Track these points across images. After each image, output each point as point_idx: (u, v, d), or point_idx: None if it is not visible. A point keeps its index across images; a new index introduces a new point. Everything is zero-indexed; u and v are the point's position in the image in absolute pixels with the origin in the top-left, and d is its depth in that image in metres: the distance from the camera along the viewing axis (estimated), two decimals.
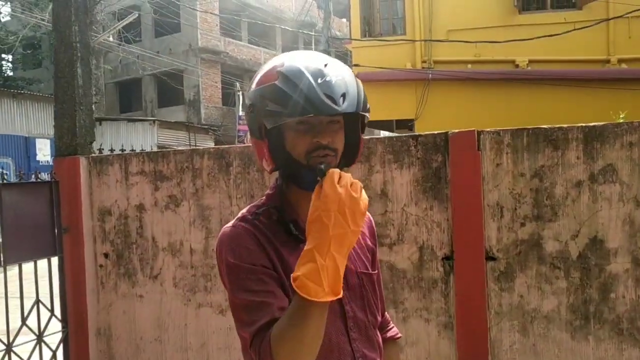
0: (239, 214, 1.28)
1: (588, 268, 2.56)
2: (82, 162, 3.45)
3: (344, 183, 1.04)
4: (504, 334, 2.69)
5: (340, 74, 1.15)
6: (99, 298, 3.50)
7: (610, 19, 9.96)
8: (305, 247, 1.03)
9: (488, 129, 2.68)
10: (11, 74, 27.22)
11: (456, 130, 2.73)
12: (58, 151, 3.50)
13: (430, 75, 10.90)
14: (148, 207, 3.37)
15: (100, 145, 4.01)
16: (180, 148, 3.24)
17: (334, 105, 1.11)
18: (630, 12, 8.91)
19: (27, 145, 15.81)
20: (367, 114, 1.23)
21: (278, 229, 1.23)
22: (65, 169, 3.43)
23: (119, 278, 3.44)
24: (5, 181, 3.08)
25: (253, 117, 1.20)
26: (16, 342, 3.11)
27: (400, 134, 2.86)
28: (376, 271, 1.39)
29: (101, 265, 3.50)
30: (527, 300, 2.65)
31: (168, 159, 3.30)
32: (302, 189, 1.19)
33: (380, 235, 2.85)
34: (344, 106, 1.12)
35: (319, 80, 1.12)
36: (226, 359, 3.18)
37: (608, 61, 10.65)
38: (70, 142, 3.45)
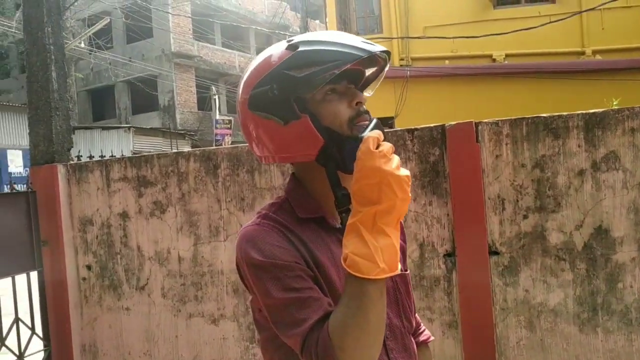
0: (259, 213, 1.15)
1: (594, 258, 2.49)
2: (60, 170, 3.28)
3: (384, 149, 0.91)
4: (511, 330, 2.60)
5: (344, 33, 1.09)
6: (82, 313, 3.33)
7: (583, 12, 10.04)
8: (349, 220, 0.92)
9: (486, 120, 2.59)
10: None
11: (454, 122, 2.63)
12: (34, 160, 3.32)
13: (408, 72, 10.87)
14: (132, 215, 3.21)
15: (79, 152, 3.84)
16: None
17: (373, 46, 1.04)
18: (603, 4, 8.98)
19: (4, 155, 15.38)
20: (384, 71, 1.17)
21: (304, 228, 1.10)
22: (42, 178, 3.26)
23: (104, 291, 3.28)
24: None
25: (276, 99, 1.05)
26: None
27: (395, 129, 2.76)
28: (408, 271, 1.27)
29: (84, 278, 3.32)
30: (533, 295, 2.57)
31: (152, 164, 3.15)
32: (349, 171, 0.98)
33: None
34: (381, 47, 1.05)
35: (340, 35, 1.06)
36: None
37: (583, 53, 10.76)
38: (47, 150, 3.28)
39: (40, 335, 3.25)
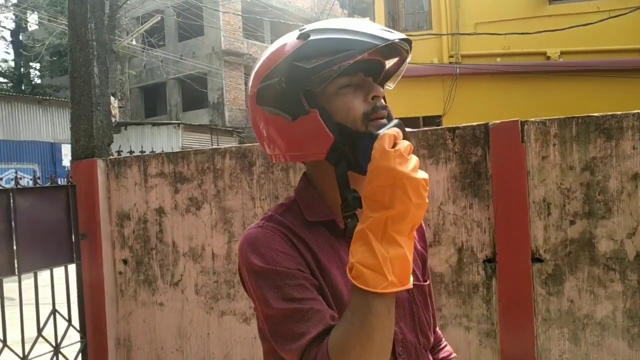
0: (265, 214, 1.07)
1: None
2: (100, 164, 3.31)
3: (400, 148, 0.82)
4: (553, 343, 2.45)
5: (361, 20, 0.99)
6: (118, 306, 3.36)
7: None
8: (358, 226, 0.83)
9: (533, 119, 2.45)
10: (39, 81, 27.65)
11: (497, 121, 2.50)
12: (75, 154, 3.37)
13: (457, 70, 10.61)
14: (168, 211, 3.21)
15: (119, 147, 3.88)
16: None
17: (391, 34, 0.94)
18: None
19: (53, 151, 15.96)
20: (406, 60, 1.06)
21: (312, 232, 1.01)
22: (82, 173, 3.30)
23: (139, 285, 3.29)
24: (19, 186, 2.95)
25: (284, 92, 0.96)
26: (32, 354, 2.98)
27: (435, 127, 2.64)
28: (428, 281, 1.16)
29: (120, 272, 3.35)
30: (579, 306, 2.40)
31: (188, 160, 3.13)
32: (362, 171, 0.90)
33: None
34: (400, 34, 0.95)
35: (355, 23, 0.96)
36: None
37: None
38: (88, 145, 3.31)
39: (77, 327, 3.29)
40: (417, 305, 1.08)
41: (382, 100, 1.00)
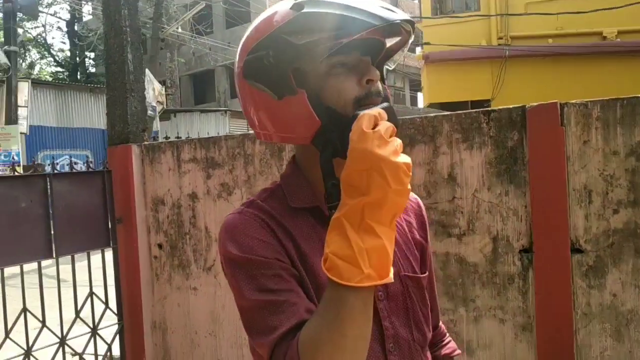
0: (247, 199, 1.02)
1: None
2: (135, 150, 3.34)
3: (380, 129, 0.75)
4: (594, 339, 2.31)
5: None
6: (153, 290, 3.40)
7: None
8: (335, 214, 0.77)
9: (573, 101, 2.30)
10: (93, 70, 28.52)
11: (535, 104, 2.36)
12: (111, 140, 3.42)
13: (507, 52, 10.25)
14: (200, 196, 3.22)
15: (166, 132, 3.90)
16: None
17: (393, 13, 0.86)
18: None
19: (105, 137, 16.45)
20: (406, 46, 0.99)
21: (296, 219, 0.96)
22: (117, 158, 3.34)
23: (173, 270, 3.32)
24: (56, 171, 3.01)
25: (271, 69, 0.90)
26: (70, 335, 3.05)
27: (469, 110, 2.53)
28: (426, 273, 1.08)
29: (155, 257, 3.39)
30: (622, 300, 2.26)
31: (219, 145, 3.12)
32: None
33: (448, 225, 2.54)
34: (402, 14, 0.87)
35: None
36: None
37: None
38: (123, 130, 3.35)
39: (114, 310, 3.36)
40: (412, 299, 1.01)
41: (379, 84, 0.93)
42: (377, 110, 0.79)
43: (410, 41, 0.98)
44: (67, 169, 3.35)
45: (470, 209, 2.51)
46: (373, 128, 0.76)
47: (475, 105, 11.91)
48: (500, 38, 10.54)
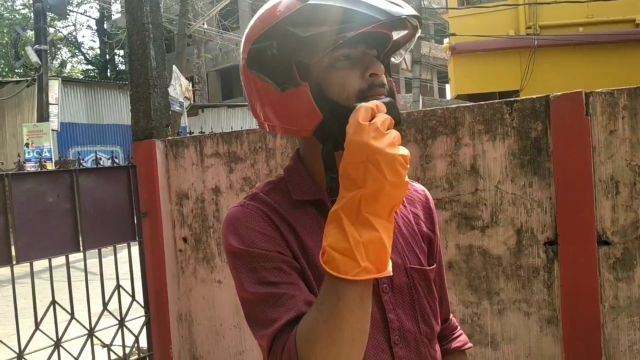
0: (250, 192, 1.03)
1: None
2: (158, 145, 3.38)
3: (376, 122, 0.75)
4: (622, 332, 2.26)
5: None
6: (179, 283, 3.45)
7: None
8: (333, 207, 0.77)
9: (599, 90, 2.24)
10: (123, 67, 28.97)
11: (559, 93, 2.31)
12: (135, 135, 3.46)
13: (536, 41, 10.05)
14: (223, 190, 3.24)
15: (201, 128, 3.93)
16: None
17: (399, 8, 0.85)
18: None
19: None
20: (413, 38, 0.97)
21: (298, 211, 0.96)
22: (141, 153, 3.39)
23: (198, 263, 3.36)
24: (82, 166, 3.07)
25: (275, 60, 0.90)
26: (98, 327, 3.12)
27: (492, 101, 2.48)
28: (434, 265, 1.07)
29: (180, 250, 3.43)
30: None
31: (241, 140, 3.14)
32: None
33: (471, 217, 2.51)
34: (408, 9, 0.86)
35: None
36: None
37: None
38: (146, 126, 3.40)
39: (140, 302, 3.42)
40: (418, 291, 1.00)
41: (383, 77, 0.92)
42: (374, 102, 0.78)
43: (417, 35, 0.97)
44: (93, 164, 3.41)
45: (493, 201, 2.47)
46: (370, 120, 0.75)
47: (503, 96, 11.72)
48: (529, 27, 10.33)
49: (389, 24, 0.93)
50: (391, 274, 0.76)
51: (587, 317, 2.29)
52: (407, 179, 0.75)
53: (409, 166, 0.75)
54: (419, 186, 1.15)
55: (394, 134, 0.75)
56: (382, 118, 0.76)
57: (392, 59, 1.01)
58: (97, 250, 3.11)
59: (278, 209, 0.95)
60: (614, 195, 2.23)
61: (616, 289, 2.25)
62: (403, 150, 0.75)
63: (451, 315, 1.20)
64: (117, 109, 17.13)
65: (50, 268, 2.91)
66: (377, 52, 0.95)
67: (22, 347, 2.77)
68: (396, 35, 0.98)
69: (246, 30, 0.98)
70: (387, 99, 0.84)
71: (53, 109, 13.08)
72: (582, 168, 2.26)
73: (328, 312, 0.76)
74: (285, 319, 0.84)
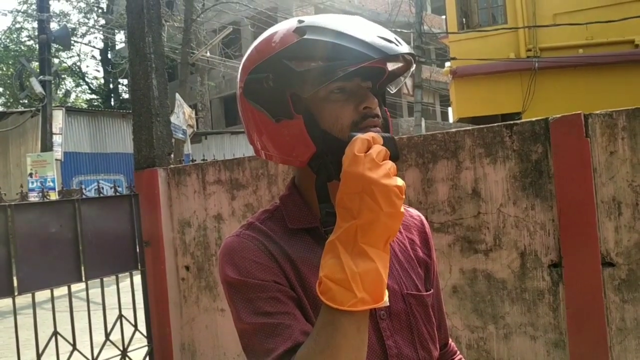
0: (246, 221, 1.03)
1: None
2: (161, 173, 3.40)
3: (372, 153, 0.76)
4: (630, 355, 2.23)
5: (368, 22, 0.92)
6: (182, 312, 3.43)
7: None
8: (330, 237, 0.78)
9: (598, 111, 2.25)
10: (126, 96, 29.24)
11: (558, 115, 2.32)
12: (137, 164, 3.48)
13: (536, 64, 10.13)
14: (226, 217, 3.24)
15: (203, 155, 3.95)
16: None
17: (395, 45, 0.87)
18: None
19: None
20: (408, 72, 0.99)
21: (294, 240, 0.96)
22: (144, 182, 3.40)
23: (200, 291, 3.34)
24: (84, 196, 3.08)
25: (270, 91, 0.92)
26: (100, 358, 3.09)
27: (491, 125, 2.49)
28: (431, 290, 1.07)
29: (183, 279, 3.42)
30: None
31: (243, 166, 3.15)
32: None
33: (474, 241, 2.50)
34: (403, 47, 0.88)
35: (358, 26, 0.89)
36: None
37: None
38: (149, 154, 3.41)
39: (143, 332, 3.39)
40: (416, 317, 1.00)
41: (378, 109, 0.93)
42: (370, 134, 0.79)
43: (412, 69, 0.99)
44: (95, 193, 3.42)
45: (496, 224, 2.46)
46: (366, 152, 0.76)
47: (505, 118, 11.75)
48: (529, 50, 10.44)
49: (384, 58, 0.94)
50: (388, 304, 0.76)
51: (594, 340, 2.26)
52: (402, 208, 0.76)
53: (404, 197, 0.75)
54: (414, 211, 1.16)
55: (389, 164, 0.76)
56: (378, 149, 0.76)
57: (388, 89, 1.02)
58: (99, 279, 3.10)
59: (274, 238, 0.95)
60: (617, 216, 2.22)
61: (622, 310, 2.23)
62: (398, 181, 0.75)
63: (450, 340, 1.18)
64: (120, 138, 17.24)
65: (52, 299, 2.90)
66: (373, 82, 0.96)
67: None
68: (391, 66, 0.99)
69: (243, 59, 1.00)
70: (387, 135, 0.85)
71: (57, 139, 13.18)
72: (583, 189, 2.25)
73: (325, 342, 0.76)
74: (282, 349, 0.83)
